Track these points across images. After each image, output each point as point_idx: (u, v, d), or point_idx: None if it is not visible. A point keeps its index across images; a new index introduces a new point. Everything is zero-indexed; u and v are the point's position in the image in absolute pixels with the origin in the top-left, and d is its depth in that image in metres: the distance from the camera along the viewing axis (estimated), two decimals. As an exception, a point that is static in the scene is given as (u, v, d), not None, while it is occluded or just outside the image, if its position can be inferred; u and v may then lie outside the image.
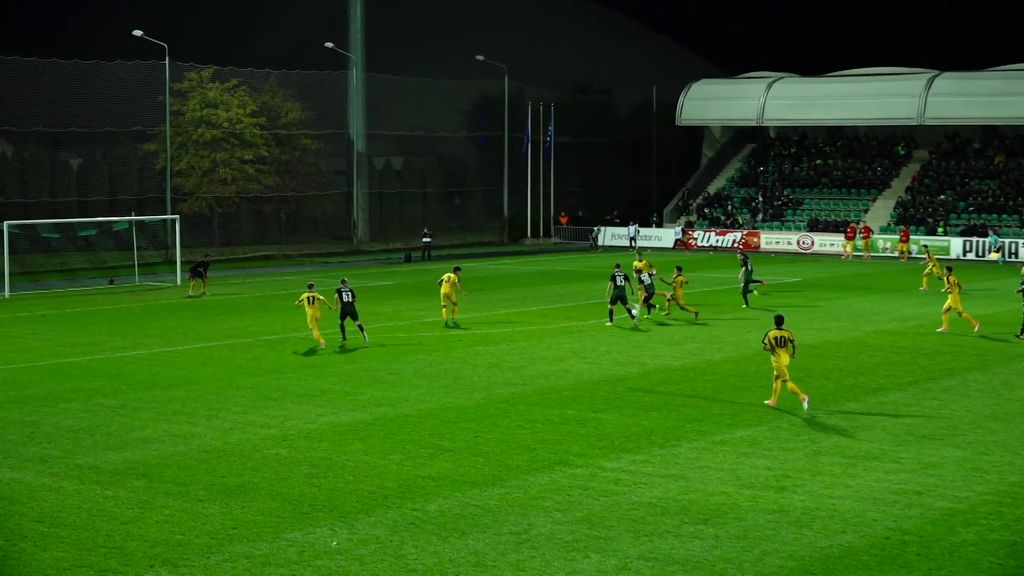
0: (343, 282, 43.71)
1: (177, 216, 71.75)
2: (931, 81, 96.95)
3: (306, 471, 24.72)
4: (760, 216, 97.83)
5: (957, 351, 40.73)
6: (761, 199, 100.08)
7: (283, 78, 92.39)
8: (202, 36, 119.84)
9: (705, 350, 40.99)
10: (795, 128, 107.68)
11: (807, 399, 30.77)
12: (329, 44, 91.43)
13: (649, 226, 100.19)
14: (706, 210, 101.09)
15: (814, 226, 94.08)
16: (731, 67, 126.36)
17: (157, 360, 39.63)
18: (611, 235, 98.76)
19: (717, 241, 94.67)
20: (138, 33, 78.63)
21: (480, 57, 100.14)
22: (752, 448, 26.61)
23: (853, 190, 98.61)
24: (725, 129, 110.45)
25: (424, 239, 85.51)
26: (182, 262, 66.34)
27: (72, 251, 73.98)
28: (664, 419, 29.75)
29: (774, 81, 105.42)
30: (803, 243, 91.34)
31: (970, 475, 24.44)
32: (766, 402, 31.54)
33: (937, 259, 60.34)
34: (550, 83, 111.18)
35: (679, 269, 50.41)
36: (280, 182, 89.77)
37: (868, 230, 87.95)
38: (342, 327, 42.65)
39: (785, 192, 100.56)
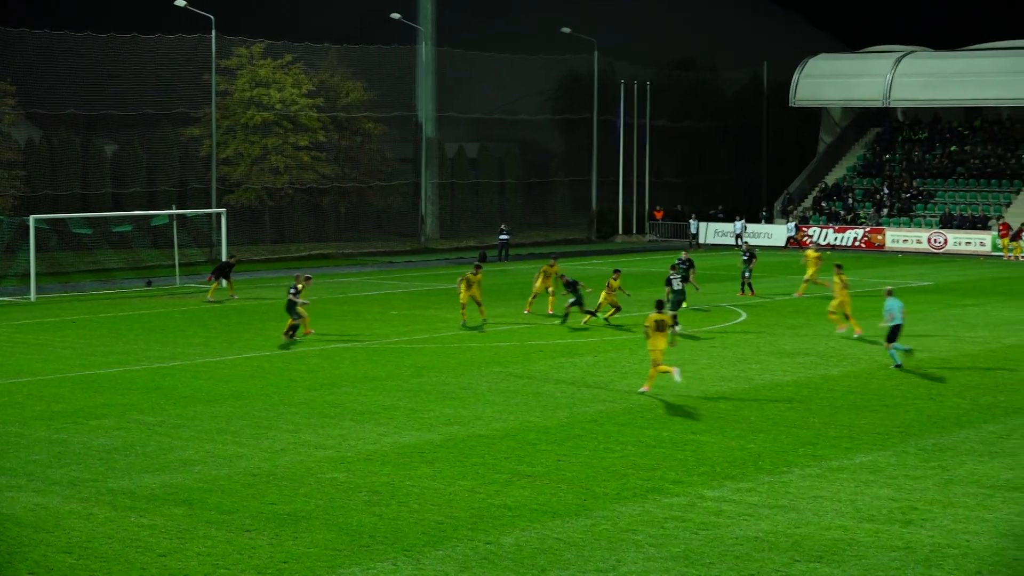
0: (306, 279, 47.74)
1: (223, 210, 72.34)
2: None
3: (366, 498, 24.86)
4: (885, 211, 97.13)
5: (1113, 366, 40.31)
6: (887, 191, 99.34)
7: (343, 54, 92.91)
8: (253, 6, 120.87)
9: (821, 363, 40.78)
10: (927, 110, 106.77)
11: (678, 370, 34.99)
12: (396, 15, 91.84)
13: (758, 222, 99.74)
14: (823, 204, 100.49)
15: (947, 222, 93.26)
16: (853, 40, 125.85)
17: (199, 372, 39.99)
18: (714, 232, 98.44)
19: (835, 239, 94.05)
20: (181, 3, 79.35)
21: (566, 29, 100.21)
22: (874, 476, 26.45)
23: (993, 181, 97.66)
24: (846, 111, 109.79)
25: (501, 236, 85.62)
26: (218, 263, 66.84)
27: (106, 249, 74.76)
28: (773, 442, 29.65)
29: (903, 56, 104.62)
30: (935, 241, 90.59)
31: None
32: (640, 389, 35.33)
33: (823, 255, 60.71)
34: (645, 59, 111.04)
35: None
36: (339, 171, 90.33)
37: (1007, 227, 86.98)
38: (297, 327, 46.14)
39: (914, 183, 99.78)
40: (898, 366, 39.49)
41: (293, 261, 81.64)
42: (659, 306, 36.04)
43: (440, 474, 26.68)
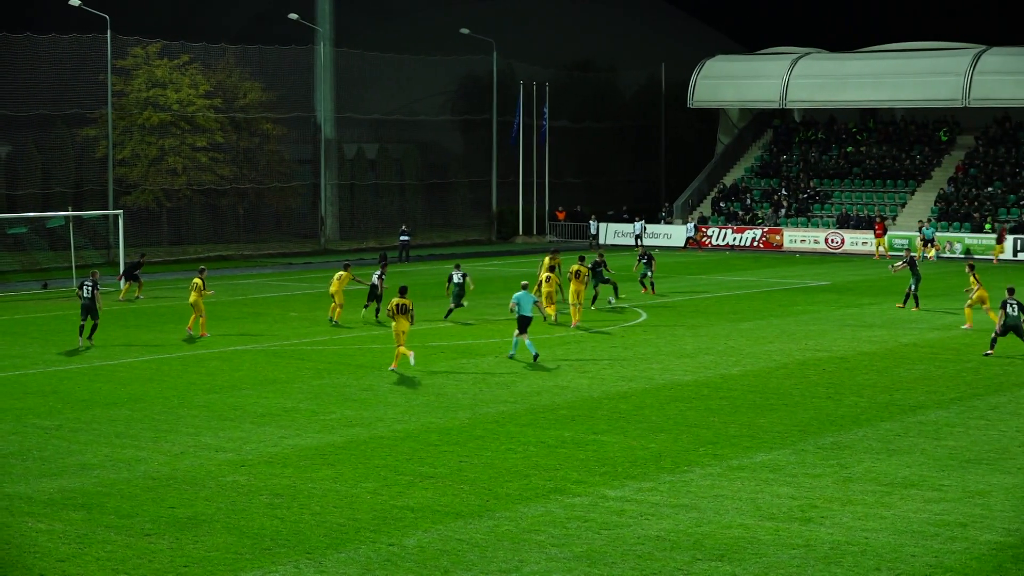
0: (92, 274, 46.43)
1: (120, 211, 71.62)
2: (978, 57, 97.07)
3: (267, 501, 24.74)
4: (783, 211, 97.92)
5: (1007, 364, 40.82)
6: (784, 192, 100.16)
7: (241, 54, 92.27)
8: (149, 6, 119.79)
9: (720, 363, 41.05)
10: (823, 111, 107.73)
11: (413, 355, 39.16)
12: (293, 15, 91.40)
13: (657, 222, 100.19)
14: (722, 204, 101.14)
15: (844, 222, 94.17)
16: (750, 42, 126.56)
17: (98, 375, 39.61)
18: (614, 232, 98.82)
19: (734, 239, 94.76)
20: (76, 2, 78.50)
21: (465, 30, 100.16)
22: (774, 474, 26.67)
23: (888, 181, 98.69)
24: (743, 112, 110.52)
25: (401, 237, 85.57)
26: (126, 264, 66.30)
27: (0, 251, 73.82)
28: (674, 442, 29.80)
29: (799, 58, 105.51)
30: (832, 241, 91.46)
31: (1021, 504, 24.52)
32: (390, 368, 39.21)
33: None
34: (545, 60, 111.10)
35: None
36: (237, 172, 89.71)
37: (882, 227, 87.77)
38: (81, 328, 45.17)
39: (811, 184, 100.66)
40: (511, 356, 41.57)
41: (192, 263, 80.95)
42: (402, 291, 39.70)
43: (342, 476, 26.61)
